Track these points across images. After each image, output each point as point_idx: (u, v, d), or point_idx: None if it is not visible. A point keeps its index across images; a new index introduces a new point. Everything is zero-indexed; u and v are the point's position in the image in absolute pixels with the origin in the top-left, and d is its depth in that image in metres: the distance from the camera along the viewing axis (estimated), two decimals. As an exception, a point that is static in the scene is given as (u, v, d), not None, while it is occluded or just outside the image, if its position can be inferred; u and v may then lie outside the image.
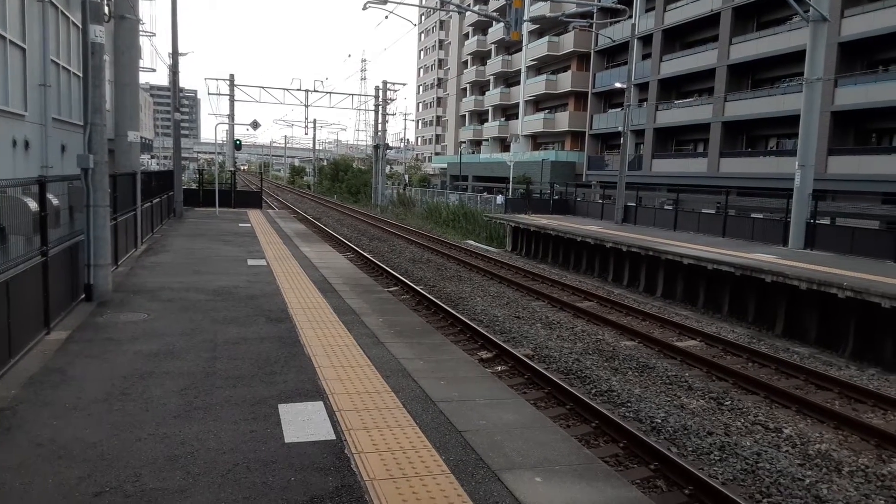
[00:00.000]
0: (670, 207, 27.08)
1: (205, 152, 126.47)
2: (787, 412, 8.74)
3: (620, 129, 29.11)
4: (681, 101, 40.07)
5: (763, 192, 27.11)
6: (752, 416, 8.48)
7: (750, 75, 35.45)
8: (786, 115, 30.01)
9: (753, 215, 23.80)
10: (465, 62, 75.88)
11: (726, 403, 8.91)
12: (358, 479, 4.24)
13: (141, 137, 15.68)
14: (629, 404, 8.61)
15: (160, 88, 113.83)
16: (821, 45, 19.08)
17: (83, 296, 9.11)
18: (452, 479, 4.30)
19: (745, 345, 12.01)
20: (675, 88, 40.93)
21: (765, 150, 35.22)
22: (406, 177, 70.73)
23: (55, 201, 8.30)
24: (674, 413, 8.34)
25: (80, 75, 11.41)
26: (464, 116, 75.94)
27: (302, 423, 5.13)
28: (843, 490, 6.44)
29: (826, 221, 21.35)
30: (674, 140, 41.87)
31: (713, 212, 25.53)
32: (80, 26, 10.61)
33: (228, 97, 40.62)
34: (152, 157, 71.08)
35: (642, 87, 41.65)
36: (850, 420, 8.27)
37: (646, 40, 41.31)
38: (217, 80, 44.48)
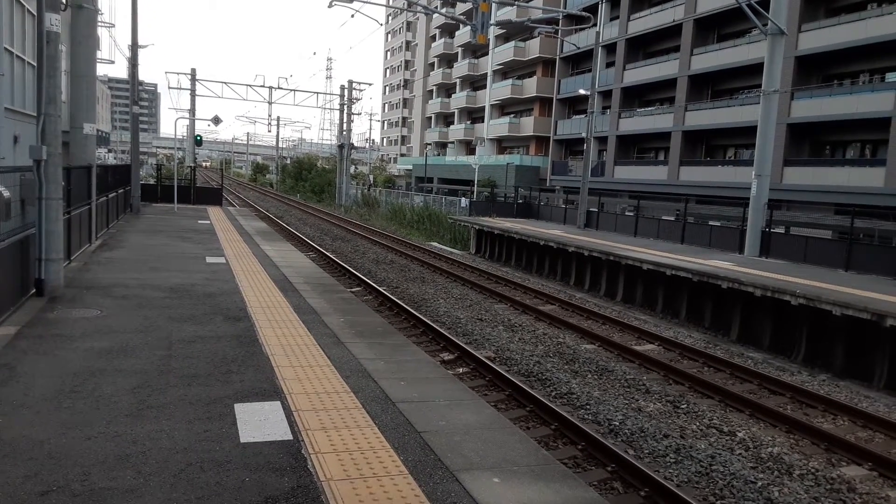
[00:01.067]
0: (631, 213, 27.49)
1: (164, 147, 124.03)
2: (741, 416, 8.93)
3: (584, 135, 29.44)
4: (643, 109, 40.74)
5: (721, 201, 27.69)
6: (707, 419, 8.63)
7: (710, 86, 36.22)
8: (744, 125, 30.73)
9: (711, 223, 24.32)
10: (432, 64, 75.93)
11: (682, 407, 9.05)
12: (314, 480, 4.18)
13: (97, 130, 15.29)
14: (588, 407, 8.69)
15: (119, 81, 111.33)
16: (778, 59, 19.58)
17: (34, 291, 8.84)
18: (410, 480, 4.27)
19: (701, 349, 12.23)
20: (637, 97, 41.59)
21: (723, 159, 36.01)
22: (371, 177, 70.40)
23: (6, 193, 8.04)
24: (631, 416, 8.44)
25: (35, 65, 11.07)
26: (430, 118, 75.97)
27: (258, 422, 5.05)
28: (794, 493, 6.59)
29: (781, 230, 21.91)
30: (636, 147, 42.54)
31: (673, 219, 25.98)
32: (36, 14, 10.30)
33: (189, 92, 39.92)
34: (109, 150, 69.47)
35: (606, 95, 42.22)
36: (801, 424, 8.48)
37: (610, 48, 41.90)
38: (178, 73, 43.67)
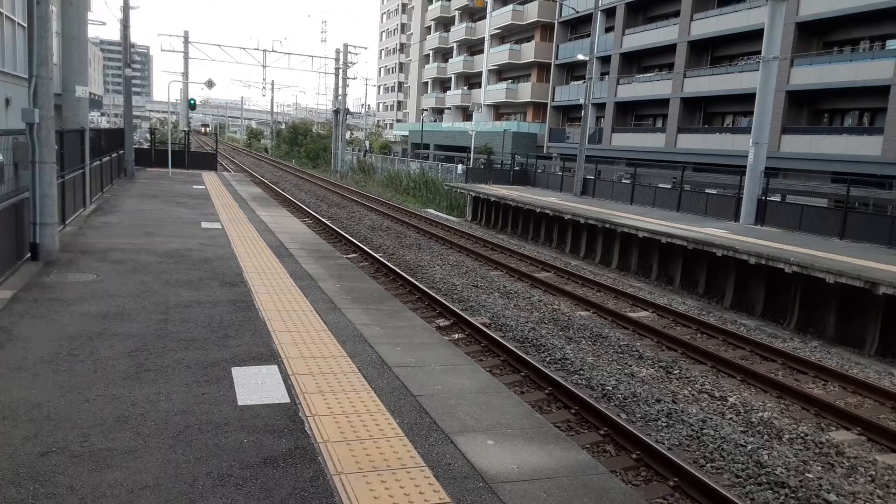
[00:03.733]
0: (628, 181, 27.44)
1: (157, 111, 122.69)
2: (733, 381, 9.04)
3: (582, 101, 29.22)
4: (642, 75, 40.35)
5: (718, 169, 27.63)
6: (699, 384, 8.74)
7: (709, 52, 35.84)
8: (742, 92, 30.49)
9: (708, 191, 24.30)
10: (429, 28, 74.83)
11: (675, 372, 9.16)
12: (311, 442, 4.24)
13: (90, 93, 15.11)
14: (582, 372, 8.79)
15: (111, 43, 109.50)
16: (778, 24, 19.37)
17: (28, 255, 8.82)
18: (406, 442, 4.33)
19: (694, 316, 12.33)
20: (636, 63, 41.16)
21: (721, 126, 35.82)
22: (367, 143, 69.92)
23: (-2, 156, 7.97)
24: (624, 381, 8.54)
25: (25, 26, 10.87)
26: (426, 83, 75.15)
27: (255, 386, 5.10)
28: (783, 456, 6.71)
29: (777, 198, 21.92)
30: (633, 114, 42.24)
31: (669, 186, 25.96)
32: (25, -28, 10.09)
33: (182, 55, 39.36)
34: (102, 114, 68.74)
35: (604, 61, 41.76)
36: (791, 390, 8.59)
37: (609, 13, 41.33)
38: (171, 36, 43.00)
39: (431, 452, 4.22)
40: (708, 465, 6.48)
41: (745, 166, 20.13)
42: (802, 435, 7.31)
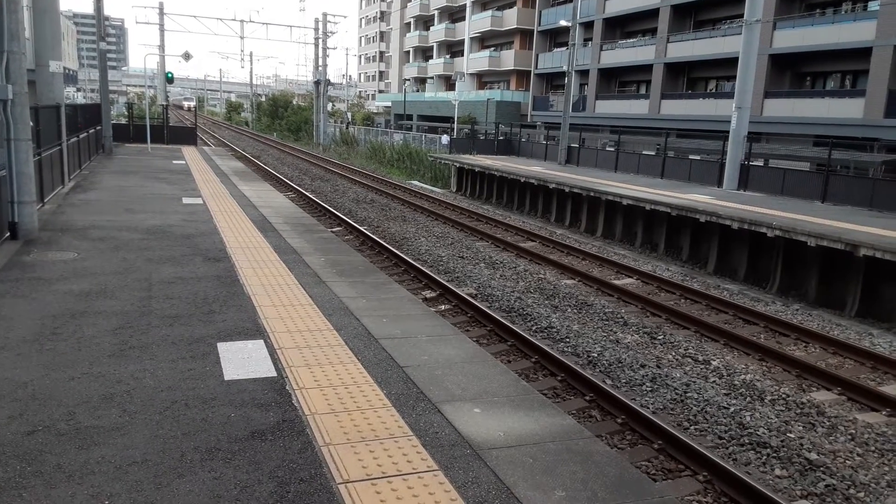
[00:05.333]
0: (612, 149, 27.43)
1: (134, 85, 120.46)
2: (716, 345, 9.16)
3: (565, 68, 29.02)
4: (625, 41, 40.09)
5: (701, 134, 27.67)
6: (683, 349, 8.85)
7: (693, 15, 35.65)
8: (725, 57, 30.41)
9: (691, 157, 24.35)
10: (410, -5, 73.71)
11: (659, 338, 9.26)
12: (299, 414, 4.26)
13: (64, 68, 14.79)
14: (568, 340, 8.86)
15: (84, 16, 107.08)
16: (761, -13, 19.25)
17: (7, 234, 8.71)
18: (393, 412, 4.36)
19: (678, 282, 12.43)
20: (619, 28, 40.86)
21: (704, 91, 35.78)
22: (349, 115, 69.20)
23: (-29, 134, 7.80)
24: (609, 347, 8.63)
25: (-7, -2, 10.56)
26: (408, 52, 74.25)
27: (242, 360, 5.10)
28: (766, 417, 6.84)
29: (759, 163, 22.04)
30: (617, 81, 42.06)
31: (653, 153, 25.98)
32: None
33: (158, 27, 38.55)
34: (78, 89, 67.42)
35: (587, 26, 41.42)
36: (773, 352, 8.72)
37: (592, -22, 40.88)
38: (146, 8, 42.08)
39: (419, 422, 4.26)
40: (692, 427, 6.59)
41: (727, 132, 20.16)
42: (784, 396, 7.44)
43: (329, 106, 56.79)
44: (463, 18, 60.08)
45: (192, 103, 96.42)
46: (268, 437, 3.94)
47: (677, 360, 8.48)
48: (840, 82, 29.40)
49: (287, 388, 4.65)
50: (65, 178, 13.98)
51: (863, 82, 26.62)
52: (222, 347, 5.33)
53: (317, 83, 47.76)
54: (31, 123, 9.22)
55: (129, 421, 4.04)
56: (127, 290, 6.77)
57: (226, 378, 4.76)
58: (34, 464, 3.52)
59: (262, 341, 5.52)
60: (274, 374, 4.88)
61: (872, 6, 26.70)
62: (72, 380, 4.58)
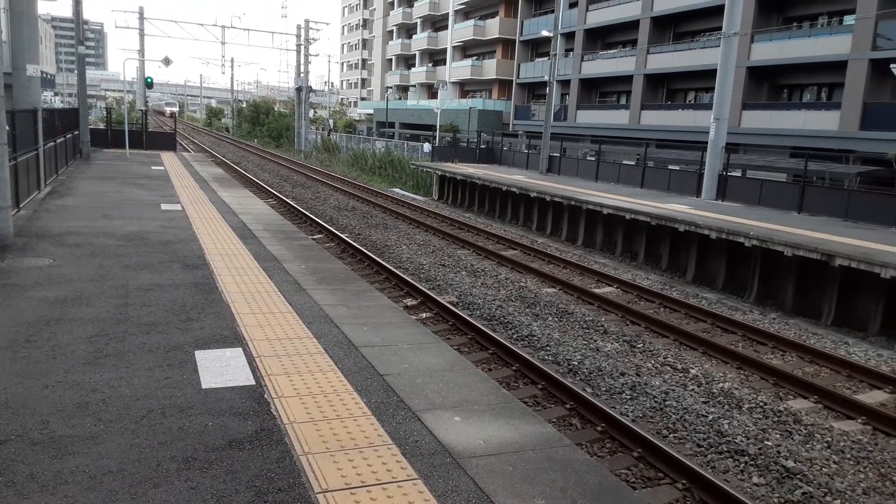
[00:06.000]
0: (593, 158, 27.63)
1: (113, 90, 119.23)
2: (695, 354, 9.23)
3: (547, 78, 29.22)
4: (606, 52, 40.47)
5: (680, 145, 27.97)
6: (662, 357, 8.91)
7: (672, 27, 36.08)
8: (704, 69, 30.81)
9: (670, 167, 24.62)
10: (392, 3, 73.86)
11: (638, 346, 9.32)
12: (278, 423, 4.22)
13: (42, 72, 14.62)
14: (549, 348, 8.88)
15: (62, 20, 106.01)
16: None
17: (-19, 240, 8.55)
18: (373, 421, 4.34)
19: (657, 291, 12.52)
20: (600, 39, 41.25)
21: (683, 103, 36.20)
22: (331, 122, 69.02)
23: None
24: (590, 356, 8.66)
25: (-31, 0, 10.43)
26: (390, 60, 74.32)
27: (220, 368, 5.04)
28: (743, 425, 6.90)
29: (737, 174, 22.31)
30: (598, 91, 42.42)
31: (633, 163, 26.21)
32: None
33: (138, 31, 38.25)
34: (56, 94, 66.64)
35: (569, 37, 41.77)
36: (751, 361, 8.81)
37: (573, -11, 41.25)
38: (125, 12, 41.73)
39: (399, 430, 4.24)
40: (671, 435, 6.63)
41: (706, 142, 20.41)
42: (762, 404, 7.51)
43: (311, 113, 56.61)
44: (445, 27, 60.32)
45: (174, 108, 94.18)
46: (245, 446, 3.90)
47: (656, 368, 8.53)
48: (816, 95, 29.89)
49: (266, 396, 4.61)
50: (41, 183, 13.78)
51: (838, 95, 27.09)
52: (200, 355, 5.27)
53: (298, 90, 47.62)
54: (7, 127, 9.09)
55: (105, 430, 3.98)
56: (103, 297, 6.68)
57: (203, 386, 4.70)
58: (6, 474, 3.45)
59: (240, 349, 5.47)
60: (252, 382, 4.84)
61: (848, 20, 27.20)
62: (46, 388, 4.50)
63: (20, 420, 4.03)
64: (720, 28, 21.70)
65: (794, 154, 25.70)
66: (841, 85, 26.46)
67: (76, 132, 22.11)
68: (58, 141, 16.91)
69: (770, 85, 30.90)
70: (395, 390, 4.87)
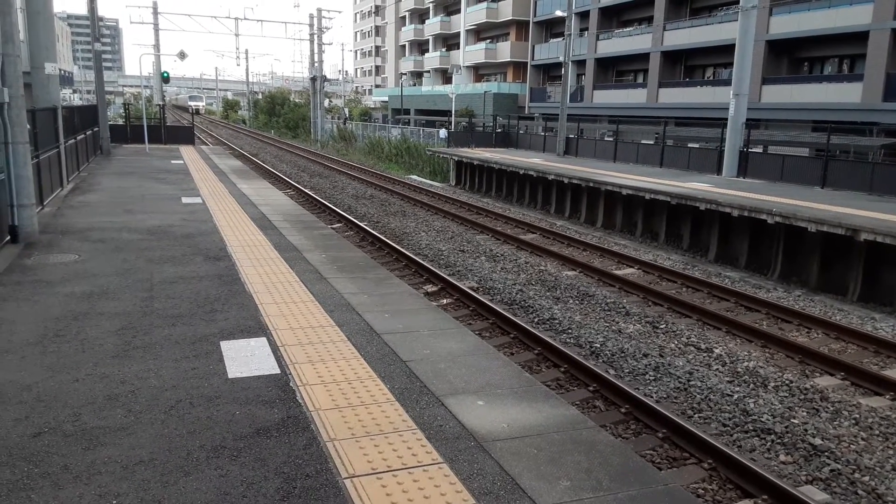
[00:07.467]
0: (610, 139, 27.37)
1: (130, 86, 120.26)
2: (718, 333, 9.16)
3: (562, 59, 28.94)
4: (621, 30, 39.97)
5: (699, 122, 27.60)
6: (685, 337, 8.86)
7: (689, 3, 35.53)
8: (722, 44, 30.33)
9: (690, 145, 24.31)
10: (404, -11, 73.42)
11: (661, 327, 9.27)
12: (304, 410, 4.27)
13: (60, 70, 14.78)
14: (570, 331, 8.87)
15: (78, 17, 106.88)
16: (757, -27, 19.18)
17: (8, 237, 8.71)
18: (397, 406, 4.37)
19: (679, 271, 12.43)
20: (615, 17, 40.74)
21: (702, 79, 35.69)
22: (346, 110, 69.06)
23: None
24: (612, 338, 8.64)
25: (-13, 1, 10.53)
26: (404, 46, 74.05)
27: (245, 358, 5.10)
28: (769, 403, 6.85)
29: (758, 150, 21.98)
30: (614, 71, 41.96)
31: (651, 142, 25.93)
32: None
33: (153, 26, 38.46)
34: (74, 91, 67.34)
35: (583, 16, 41.30)
36: (776, 339, 8.73)
37: (587, -33, 40.72)
38: (140, 7, 41.98)
39: (423, 415, 4.27)
40: (696, 415, 6.60)
41: (726, 119, 20.12)
42: (787, 382, 7.45)
43: (326, 102, 56.65)
44: (458, 11, 59.89)
45: (201, 104, 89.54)
46: (273, 434, 3.95)
47: (680, 348, 8.49)
48: (837, 67, 29.31)
49: (291, 384, 4.66)
50: (63, 180, 13.97)
51: (860, 66, 26.54)
52: (225, 346, 5.34)
53: (313, 79, 47.65)
54: (29, 126, 9.21)
55: (135, 421, 4.05)
56: (128, 290, 6.78)
57: (229, 376, 4.77)
58: (41, 465, 3.53)
59: (264, 339, 5.53)
60: (277, 371, 4.89)
61: (869, -11, 26.60)
62: (76, 381, 4.59)
63: (53, 413, 4.12)
64: (737, 2, 21.32)
65: (816, 128, 25.27)
66: (863, 56, 25.91)
67: (96, 129, 22.35)
68: (78, 138, 17.12)
69: (790, 58, 30.35)
70: (417, 376, 4.90)
